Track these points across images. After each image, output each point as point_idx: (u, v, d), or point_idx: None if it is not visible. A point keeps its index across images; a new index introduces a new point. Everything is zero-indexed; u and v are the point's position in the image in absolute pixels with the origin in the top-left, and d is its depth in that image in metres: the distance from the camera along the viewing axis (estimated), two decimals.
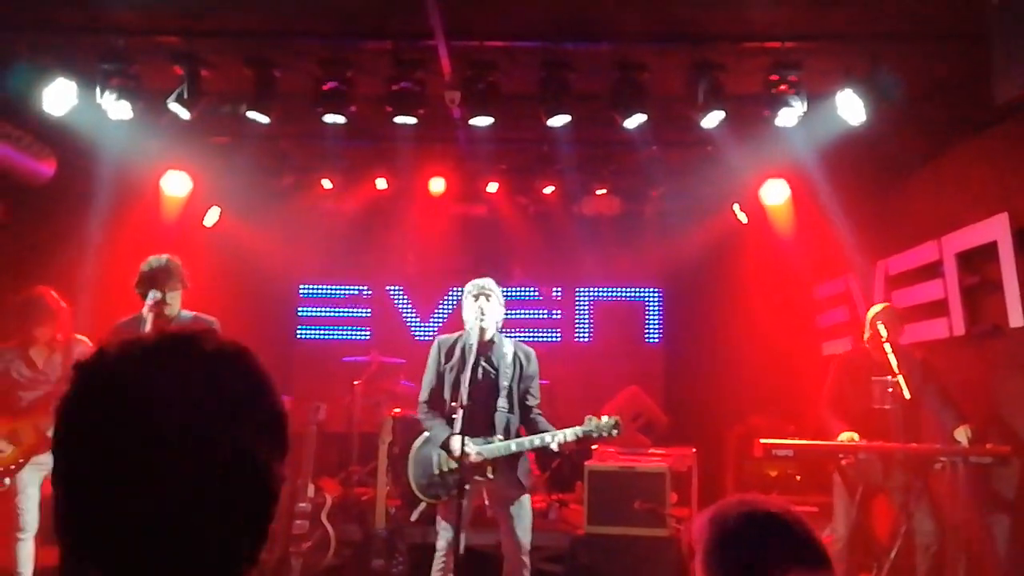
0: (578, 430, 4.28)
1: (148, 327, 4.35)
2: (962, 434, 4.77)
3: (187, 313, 4.65)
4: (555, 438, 4.31)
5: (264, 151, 6.96)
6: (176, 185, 7.47)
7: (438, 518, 4.57)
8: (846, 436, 4.88)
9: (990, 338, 5.26)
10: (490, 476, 4.39)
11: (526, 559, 4.52)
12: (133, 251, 6.83)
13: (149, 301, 4.42)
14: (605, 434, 4.27)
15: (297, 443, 5.90)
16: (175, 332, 1.01)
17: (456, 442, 4.32)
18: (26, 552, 4.82)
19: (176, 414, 0.91)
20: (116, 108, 5.18)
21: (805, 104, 5.00)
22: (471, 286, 4.57)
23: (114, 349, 0.97)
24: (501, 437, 4.42)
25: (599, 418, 4.30)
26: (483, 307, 4.48)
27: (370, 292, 8.91)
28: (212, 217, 7.99)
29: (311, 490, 5.80)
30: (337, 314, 9.14)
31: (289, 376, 8.54)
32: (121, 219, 6.90)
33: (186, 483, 0.90)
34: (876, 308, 5.27)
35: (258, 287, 8.42)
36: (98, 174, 6.55)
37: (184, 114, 5.20)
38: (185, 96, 5.10)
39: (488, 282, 4.57)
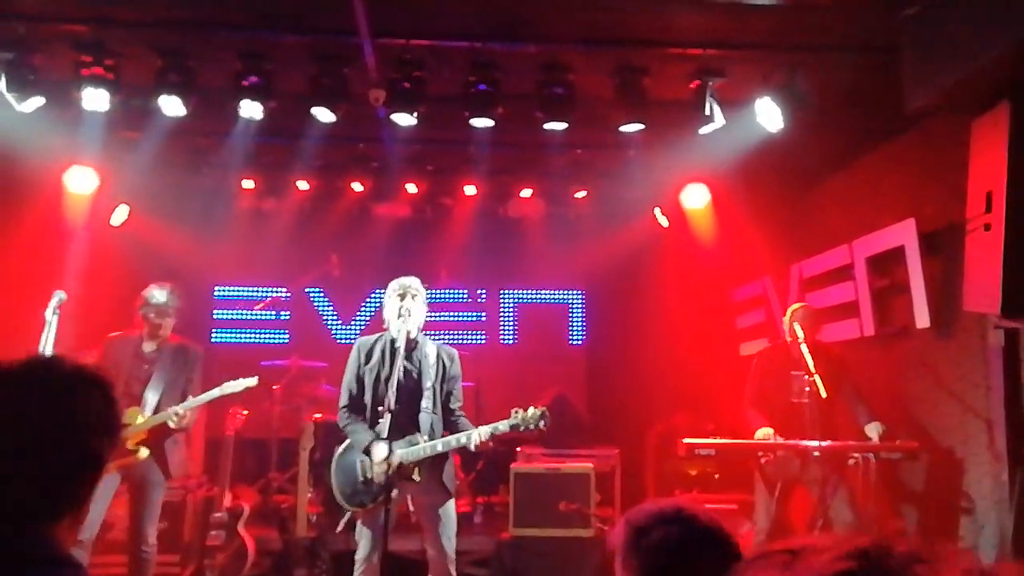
0: (505, 424, 4.24)
1: (53, 330, 4.25)
2: (873, 430, 4.97)
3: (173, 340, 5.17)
4: (480, 433, 4.25)
5: (178, 147, 6.67)
6: (81, 182, 7.09)
7: (358, 525, 4.47)
8: (762, 433, 5.02)
9: (898, 338, 5.49)
10: (416, 479, 4.32)
11: (451, 566, 4.47)
12: (31, 250, 6.49)
13: (53, 303, 4.34)
14: (532, 426, 4.21)
15: (213, 450, 5.70)
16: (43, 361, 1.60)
17: (379, 448, 4.24)
18: None
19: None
20: (17, 99, 4.87)
21: (725, 111, 5.11)
22: (396, 284, 4.48)
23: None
24: (426, 438, 4.35)
25: (525, 410, 4.26)
26: (408, 306, 4.39)
27: (289, 294, 8.67)
28: (120, 216, 7.61)
29: (228, 499, 5.59)
30: (254, 317, 8.85)
31: (204, 381, 8.21)
32: (18, 216, 6.52)
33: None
34: (794, 307, 5.44)
35: None
36: None
37: (101, 106, 4.94)
38: (93, 87, 4.84)
39: (413, 281, 4.49)
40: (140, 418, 4.87)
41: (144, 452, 4.83)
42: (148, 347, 5.07)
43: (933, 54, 3.82)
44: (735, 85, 5.12)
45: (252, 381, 5.08)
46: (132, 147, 6.59)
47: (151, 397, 4.92)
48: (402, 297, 4.41)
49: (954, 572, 0.65)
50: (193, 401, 4.93)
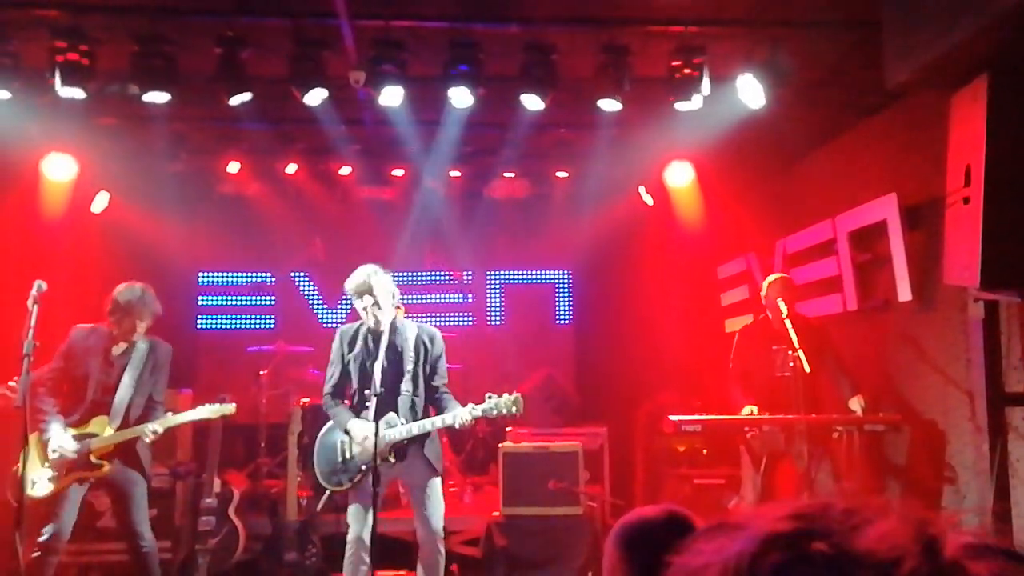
0: (478, 409, 4.29)
1: (33, 320, 4.22)
2: (856, 404, 5.03)
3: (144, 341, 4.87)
4: (456, 418, 4.32)
5: (157, 133, 6.59)
6: (59, 169, 6.99)
7: (350, 507, 4.52)
8: (747, 411, 5.07)
9: (881, 312, 5.54)
10: (391, 460, 4.37)
11: (440, 544, 4.53)
12: (10, 238, 6.42)
13: (34, 292, 4.33)
14: (505, 411, 4.27)
15: (202, 436, 5.69)
16: None
17: (359, 427, 4.33)
18: None
19: None
20: None
21: (708, 88, 5.10)
22: (352, 290, 4.54)
23: None
24: (403, 421, 4.41)
25: (499, 395, 4.31)
26: (366, 306, 4.47)
27: (274, 279, 8.64)
28: (100, 203, 7.53)
29: (217, 485, 5.60)
30: (240, 302, 8.82)
31: (191, 368, 8.21)
32: None
33: None
34: (771, 278, 5.44)
35: (154, 276, 7.83)
36: None
37: (77, 93, 4.86)
38: (68, 76, 4.76)
39: (365, 279, 4.50)
40: (108, 429, 4.65)
41: (107, 467, 4.63)
42: (117, 350, 4.80)
43: (913, 29, 3.82)
44: (717, 62, 5.10)
45: (230, 408, 4.89)
46: (111, 133, 6.50)
47: (119, 405, 4.68)
48: (360, 297, 4.48)
49: (891, 520, 0.66)
50: (170, 420, 4.74)
